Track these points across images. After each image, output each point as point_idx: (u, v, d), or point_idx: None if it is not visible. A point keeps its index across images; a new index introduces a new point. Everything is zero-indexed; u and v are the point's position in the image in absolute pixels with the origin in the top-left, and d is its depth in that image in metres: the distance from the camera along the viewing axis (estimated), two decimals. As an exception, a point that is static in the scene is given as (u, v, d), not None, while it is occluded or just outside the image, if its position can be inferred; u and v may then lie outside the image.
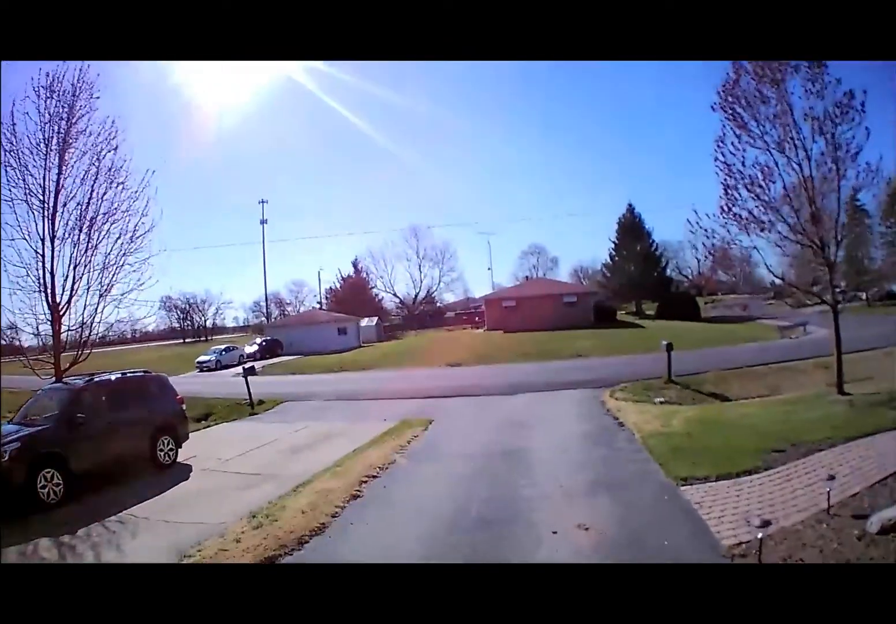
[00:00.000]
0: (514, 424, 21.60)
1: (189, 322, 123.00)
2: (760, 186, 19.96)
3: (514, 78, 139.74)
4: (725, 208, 20.63)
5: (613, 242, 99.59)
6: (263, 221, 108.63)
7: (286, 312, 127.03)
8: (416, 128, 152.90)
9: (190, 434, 21.00)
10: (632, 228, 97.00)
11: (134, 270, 19.96)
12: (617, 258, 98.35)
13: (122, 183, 19.73)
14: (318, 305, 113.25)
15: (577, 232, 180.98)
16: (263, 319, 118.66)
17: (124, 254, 19.73)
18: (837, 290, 21.35)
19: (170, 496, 15.08)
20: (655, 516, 11.20)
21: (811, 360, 31.44)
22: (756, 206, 20.17)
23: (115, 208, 19.63)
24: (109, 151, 19.70)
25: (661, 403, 24.08)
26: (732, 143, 20.13)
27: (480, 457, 16.91)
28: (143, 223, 19.92)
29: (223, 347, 68.92)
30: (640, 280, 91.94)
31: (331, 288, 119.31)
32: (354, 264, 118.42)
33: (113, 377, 18.20)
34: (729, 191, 20.48)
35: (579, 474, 14.36)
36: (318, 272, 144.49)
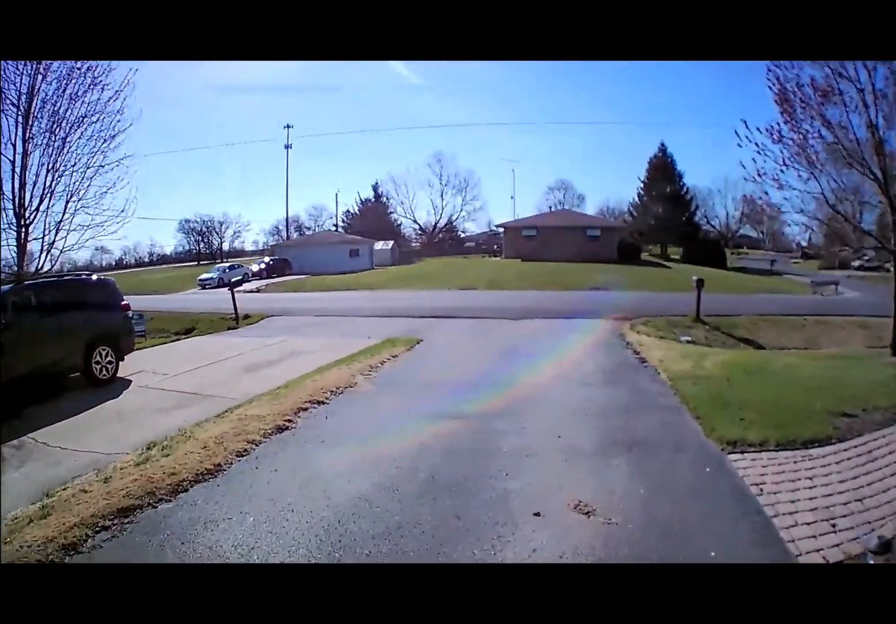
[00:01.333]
0: (514, 350, 19.01)
1: (207, 245, 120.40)
2: (821, 104, 17.07)
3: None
4: (776, 131, 17.68)
5: (643, 182, 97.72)
6: (288, 146, 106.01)
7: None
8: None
9: (154, 347, 21.71)
10: (663, 169, 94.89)
11: (107, 172, 17.92)
12: (645, 198, 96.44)
13: (103, 83, 17.69)
14: (333, 228, 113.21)
15: (608, 170, 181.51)
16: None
17: (100, 152, 17.82)
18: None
19: (85, 417, 12.98)
20: (693, 504, 7.78)
21: (849, 317, 29.86)
22: (812, 127, 17.34)
23: (93, 110, 17.66)
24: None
25: (689, 342, 21.61)
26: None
27: (460, 388, 14.13)
28: (118, 122, 17.98)
29: (227, 264, 69.05)
30: (667, 223, 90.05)
31: (348, 211, 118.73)
32: (374, 188, 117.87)
33: (43, 281, 16.18)
34: (784, 108, 17.59)
35: (585, 425, 11.21)
36: (336, 194, 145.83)
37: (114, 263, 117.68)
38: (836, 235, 20.60)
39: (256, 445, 10.24)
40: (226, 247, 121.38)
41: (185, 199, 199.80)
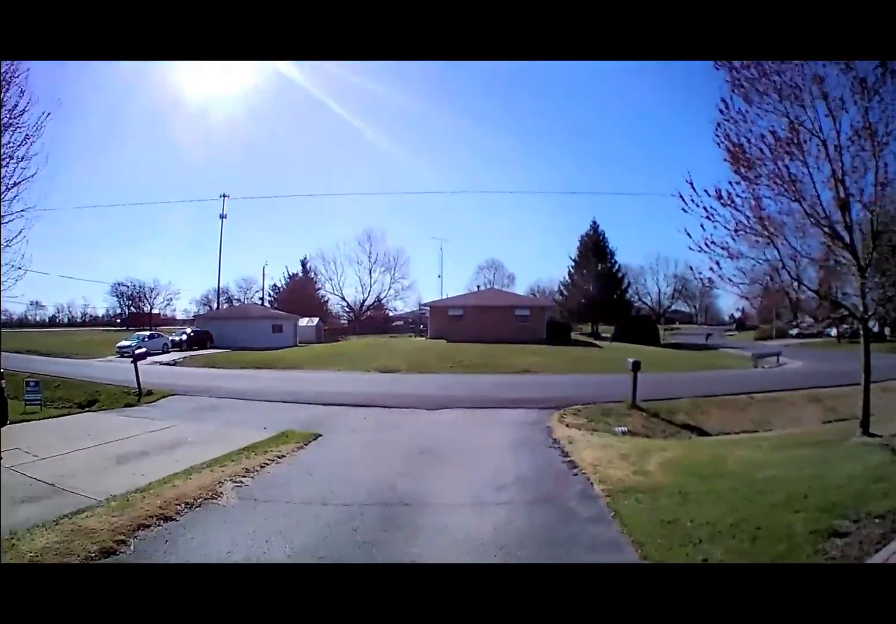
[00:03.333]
0: (425, 453, 16.21)
1: (137, 309, 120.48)
2: (774, 161, 16.12)
3: (481, 82, 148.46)
4: (727, 192, 16.36)
5: (574, 260, 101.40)
6: (223, 216, 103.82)
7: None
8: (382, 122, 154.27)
9: (44, 420, 20.90)
10: (594, 247, 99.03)
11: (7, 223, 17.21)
12: (576, 276, 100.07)
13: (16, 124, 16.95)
14: (259, 301, 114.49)
15: (537, 250, 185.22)
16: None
17: None
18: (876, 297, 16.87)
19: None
20: None
21: (796, 391, 28.97)
22: (767, 185, 16.26)
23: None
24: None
25: (625, 433, 19.77)
26: (739, 110, 16.30)
27: (338, 512, 11.12)
28: (21, 168, 17.24)
29: (147, 333, 67.88)
30: (598, 301, 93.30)
31: (275, 285, 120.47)
32: (303, 263, 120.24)
33: None
34: (736, 166, 16.44)
35: None
36: (263, 267, 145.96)
37: (47, 320, 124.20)
38: (772, 306, 19.64)
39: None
40: (157, 313, 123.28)
41: (120, 259, 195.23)
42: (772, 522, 9.41)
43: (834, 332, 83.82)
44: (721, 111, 16.12)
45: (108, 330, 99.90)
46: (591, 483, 12.51)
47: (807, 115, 15.81)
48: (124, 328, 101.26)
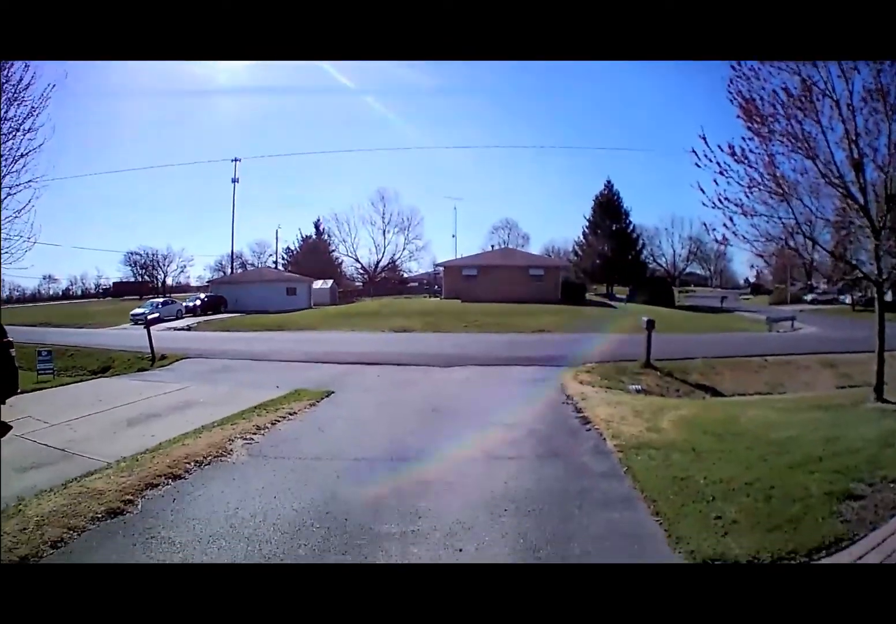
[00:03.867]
0: (437, 409, 16.03)
1: (151, 278, 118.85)
2: (794, 114, 15.78)
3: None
4: (740, 148, 16.12)
5: (588, 220, 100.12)
6: (235, 180, 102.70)
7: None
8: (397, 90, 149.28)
9: (57, 388, 20.88)
10: (608, 207, 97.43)
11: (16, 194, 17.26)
12: (591, 237, 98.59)
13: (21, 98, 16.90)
14: (273, 265, 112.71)
15: (552, 209, 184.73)
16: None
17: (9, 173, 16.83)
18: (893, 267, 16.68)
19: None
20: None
21: (810, 355, 28.33)
22: (781, 141, 16.01)
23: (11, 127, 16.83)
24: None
25: (639, 391, 19.76)
26: (752, 67, 15.86)
27: (348, 467, 11.04)
28: (28, 139, 17.23)
29: (161, 300, 67.84)
30: (613, 261, 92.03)
31: (289, 248, 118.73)
32: (316, 226, 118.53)
33: None
34: (750, 122, 16.16)
35: (499, 530, 8.05)
36: (277, 230, 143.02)
37: (60, 293, 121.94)
38: (786, 267, 19.39)
39: (79, 534, 8.03)
40: (170, 281, 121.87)
41: (130, 228, 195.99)
42: (786, 482, 9.27)
43: (848, 299, 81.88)
44: (733, 68, 15.80)
45: (125, 299, 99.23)
46: (604, 438, 12.42)
47: (819, 75, 15.48)
48: (138, 297, 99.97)
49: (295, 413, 15.22)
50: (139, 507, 9.01)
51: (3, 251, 16.13)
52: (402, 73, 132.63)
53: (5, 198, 16.11)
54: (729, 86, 15.96)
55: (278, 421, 14.37)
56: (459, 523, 8.10)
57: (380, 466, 10.91)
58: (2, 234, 15.94)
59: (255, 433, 13.16)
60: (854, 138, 15.56)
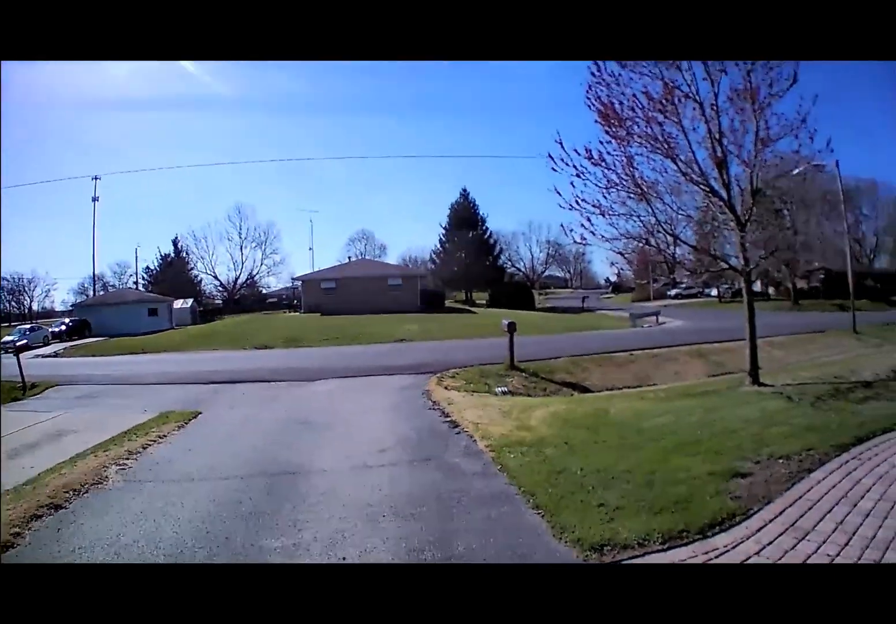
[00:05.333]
0: (306, 422, 16.01)
1: (17, 304, 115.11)
2: (647, 121, 16.52)
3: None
4: (597, 152, 16.71)
5: (444, 228, 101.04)
6: (95, 199, 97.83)
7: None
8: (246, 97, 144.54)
9: None
10: (465, 214, 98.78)
11: None
12: (447, 244, 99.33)
13: None
14: (133, 285, 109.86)
15: (408, 219, 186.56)
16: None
17: None
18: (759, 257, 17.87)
19: None
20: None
21: (678, 347, 30.42)
22: (640, 143, 16.72)
23: None
24: None
25: (505, 393, 19.99)
26: (612, 73, 16.41)
27: (226, 486, 10.82)
28: None
29: (28, 326, 65.92)
30: (471, 268, 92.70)
31: (148, 267, 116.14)
32: (174, 243, 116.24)
33: None
34: (608, 126, 16.72)
35: (380, 534, 8.04)
36: (136, 249, 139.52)
37: None
38: (648, 267, 19.85)
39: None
40: (35, 306, 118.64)
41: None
42: (666, 466, 9.57)
43: (714, 292, 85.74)
44: (593, 74, 16.14)
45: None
46: (475, 440, 12.56)
47: (683, 78, 16.14)
48: (6, 325, 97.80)
49: (164, 436, 15.00)
50: (27, 539, 8.76)
51: None
52: (277, 80, 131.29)
53: None
54: (588, 91, 16.32)
55: (149, 445, 14.15)
56: (339, 533, 8.09)
57: (254, 483, 10.78)
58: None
59: (127, 459, 12.93)
60: (718, 137, 16.25)
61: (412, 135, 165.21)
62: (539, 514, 8.14)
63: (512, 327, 24.07)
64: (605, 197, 16.48)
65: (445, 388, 19.44)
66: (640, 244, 17.94)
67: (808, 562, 6.54)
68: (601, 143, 16.34)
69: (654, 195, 16.91)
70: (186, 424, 16.50)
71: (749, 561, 6.63)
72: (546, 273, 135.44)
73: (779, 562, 6.52)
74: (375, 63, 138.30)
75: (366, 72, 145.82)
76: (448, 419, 14.88)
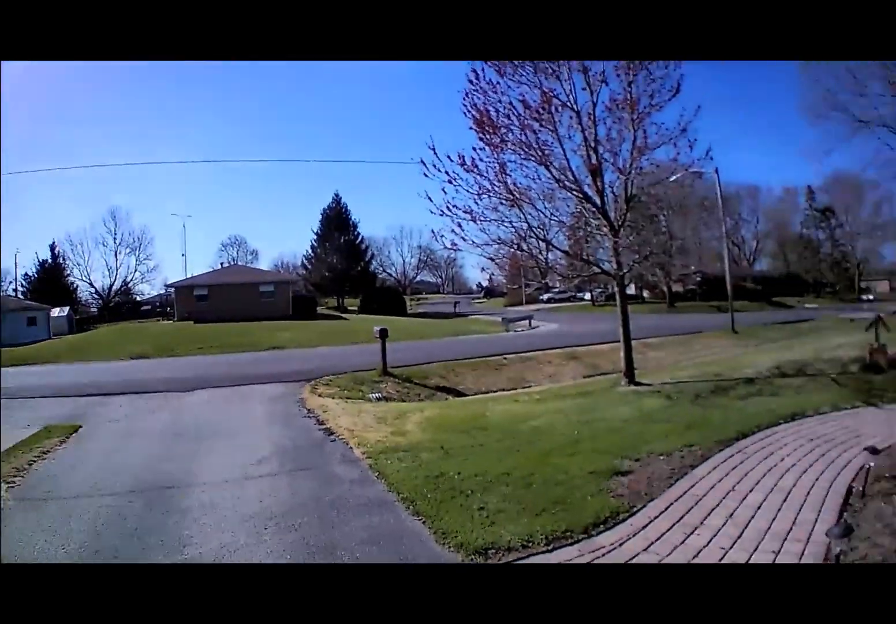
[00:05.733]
0: (184, 434, 15.40)
1: None
2: (522, 129, 16.78)
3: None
4: (469, 160, 16.81)
5: (316, 233, 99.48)
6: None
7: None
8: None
9: None
10: (337, 219, 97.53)
11: None
12: (319, 250, 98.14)
13: None
14: (13, 293, 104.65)
15: (280, 224, 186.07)
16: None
17: None
18: (632, 262, 18.55)
19: None
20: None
21: (552, 350, 30.59)
22: (514, 150, 16.96)
23: None
24: None
25: (379, 399, 20.08)
26: (490, 81, 16.69)
27: (111, 502, 10.31)
28: None
29: None
30: (342, 273, 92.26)
31: (27, 274, 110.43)
32: (51, 248, 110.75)
33: None
34: (482, 133, 16.96)
35: (263, 547, 7.85)
36: (16, 254, 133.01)
37: None
38: (520, 271, 19.90)
39: None
40: None
41: None
42: (544, 467, 9.66)
43: (588, 295, 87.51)
44: (471, 81, 16.29)
45: None
46: (351, 447, 12.46)
47: (562, 88, 16.49)
48: None
49: (48, 452, 14.37)
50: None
51: None
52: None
53: None
54: (464, 98, 16.47)
55: (34, 461, 13.53)
56: (224, 547, 7.92)
57: (138, 498, 10.40)
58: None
59: (15, 476, 12.33)
60: (593, 146, 16.60)
61: (285, 138, 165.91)
62: (420, 520, 8.11)
63: (384, 333, 24.08)
64: (476, 203, 16.64)
65: (320, 395, 19.39)
66: (512, 249, 17.97)
67: (700, 555, 6.67)
68: (475, 149, 16.48)
69: (527, 201, 17.19)
70: (68, 438, 15.77)
71: (637, 558, 6.66)
72: (418, 278, 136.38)
73: (666, 560, 6.58)
74: (252, 65, 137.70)
75: (243, 72, 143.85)
76: (324, 427, 14.78)
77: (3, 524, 9.32)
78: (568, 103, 16.55)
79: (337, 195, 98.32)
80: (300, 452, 12.62)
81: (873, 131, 30.40)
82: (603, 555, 6.77)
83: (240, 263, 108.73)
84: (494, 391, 22.24)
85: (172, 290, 77.09)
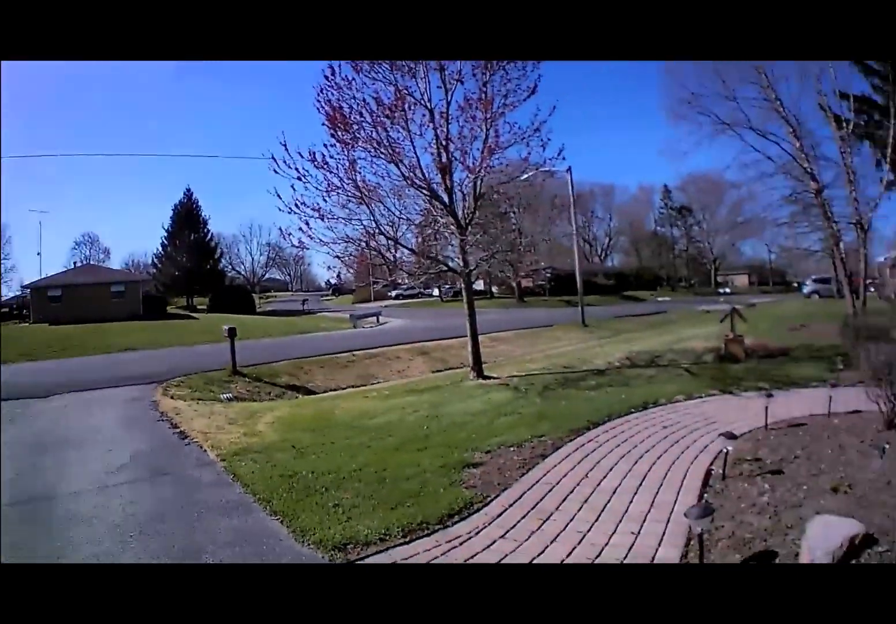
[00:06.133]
0: (43, 443, 14.37)
1: None
2: (374, 126, 16.75)
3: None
4: (320, 157, 16.75)
5: (167, 230, 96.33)
6: None
7: None
8: None
9: None
10: (187, 216, 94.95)
11: None
12: (169, 248, 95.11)
13: None
14: None
15: (132, 221, 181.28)
16: None
17: None
18: (479, 259, 18.76)
19: None
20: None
21: (400, 346, 30.83)
22: (364, 148, 16.99)
23: None
24: None
25: (231, 399, 19.54)
26: (346, 77, 16.73)
27: None
28: None
29: None
30: (192, 272, 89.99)
31: None
32: None
33: None
34: (334, 129, 16.82)
35: (137, 558, 7.41)
36: None
37: None
38: (369, 269, 19.99)
39: None
40: None
41: None
42: (396, 462, 9.87)
43: (436, 292, 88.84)
44: (326, 77, 16.28)
45: None
46: (205, 450, 12.32)
47: (417, 86, 16.66)
48: None
49: None
50: None
51: None
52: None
53: None
54: (319, 94, 16.39)
55: None
56: (95, 557, 7.62)
57: (9, 511, 9.65)
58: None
59: None
60: (445, 144, 16.81)
61: (137, 132, 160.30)
62: (278, 519, 8.16)
63: (232, 332, 23.85)
64: (325, 200, 16.64)
65: (172, 397, 19.09)
66: (360, 248, 18.10)
67: (557, 540, 6.88)
68: (326, 146, 16.45)
69: (376, 199, 17.29)
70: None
71: (494, 545, 6.85)
72: (266, 276, 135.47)
73: (524, 546, 6.75)
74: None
75: (94, 66, 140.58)
76: (178, 430, 14.49)
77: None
78: (422, 101, 16.71)
79: (189, 191, 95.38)
80: (157, 457, 12.34)
81: (737, 133, 31.33)
82: (460, 544, 6.93)
83: (93, 263, 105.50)
84: (344, 388, 22.44)
85: (28, 291, 74.50)
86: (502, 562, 6.43)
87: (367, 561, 6.71)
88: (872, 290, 46.96)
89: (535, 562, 6.42)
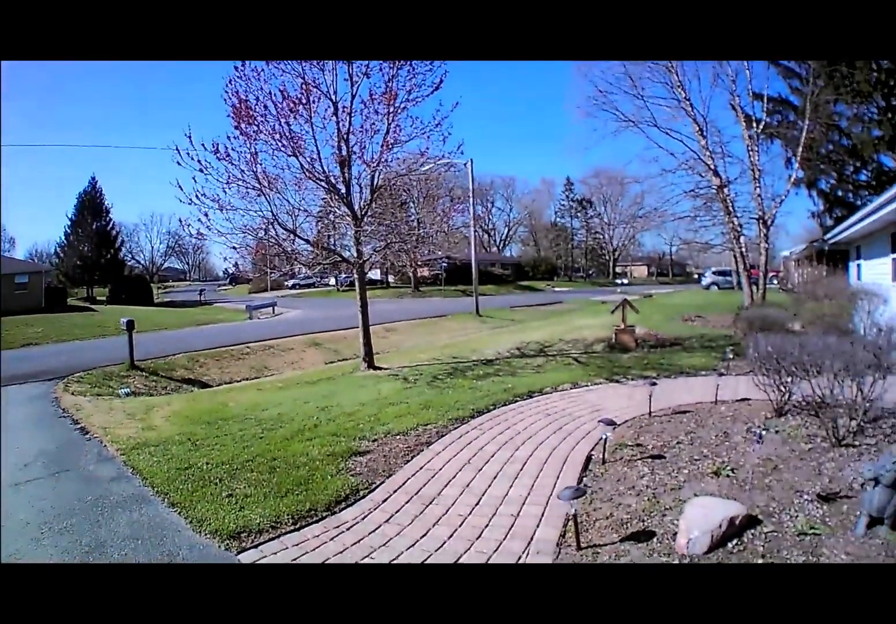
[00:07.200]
0: None
1: None
2: (278, 118, 16.79)
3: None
4: (223, 149, 16.67)
5: (71, 219, 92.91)
6: None
7: None
8: None
9: None
10: (91, 205, 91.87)
11: None
12: (72, 237, 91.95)
13: None
14: None
15: (38, 208, 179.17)
16: None
17: None
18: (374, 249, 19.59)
19: None
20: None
21: (294, 337, 31.32)
22: (266, 140, 17.01)
23: None
24: None
25: (128, 394, 19.46)
26: (255, 68, 16.67)
27: None
28: None
29: None
30: (93, 262, 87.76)
31: None
32: None
33: None
34: (238, 122, 16.74)
35: (48, 556, 7.45)
36: None
37: None
38: (265, 259, 20.06)
39: None
40: None
41: None
42: (286, 452, 10.19)
43: (332, 281, 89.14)
44: (236, 68, 16.26)
45: None
46: (105, 445, 12.34)
47: (324, 78, 16.71)
48: None
49: None
50: None
51: None
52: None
53: None
54: (227, 85, 16.34)
55: None
56: (12, 556, 7.57)
57: None
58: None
59: None
60: (345, 137, 16.99)
61: (44, 121, 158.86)
62: (176, 511, 8.32)
63: (130, 325, 23.67)
64: (225, 191, 16.69)
65: (72, 393, 18.88)
66: (258, 238, 18.19)
67: (440, 523, 7.28)
68: (229, 138, 16.45)
69: (275, 190, 17.41)
70: None
71: (380, 530, 7.24)
72: (165, 265, 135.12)
73: (407, 530, 7.13)
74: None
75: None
76: (79, 426, 14.46)
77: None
78: (328, 94, 16.80)
79: (94, 179, 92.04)
80: (60, 453, 12.32)
81: (642, 130, 31.89)
82: (348, 529, 7.28)
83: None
84: (238, 381, 22.65)
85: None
86: (387, 545, 6.77)
87: (261, 548, 6.92)
88: (776, 282, 48.39)
89: (419, 546, 6.73)
